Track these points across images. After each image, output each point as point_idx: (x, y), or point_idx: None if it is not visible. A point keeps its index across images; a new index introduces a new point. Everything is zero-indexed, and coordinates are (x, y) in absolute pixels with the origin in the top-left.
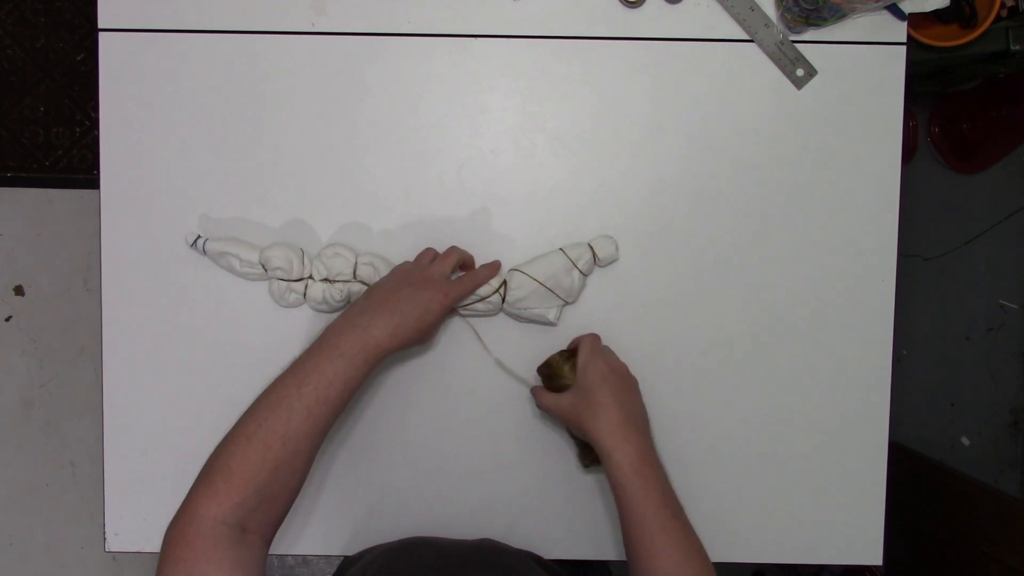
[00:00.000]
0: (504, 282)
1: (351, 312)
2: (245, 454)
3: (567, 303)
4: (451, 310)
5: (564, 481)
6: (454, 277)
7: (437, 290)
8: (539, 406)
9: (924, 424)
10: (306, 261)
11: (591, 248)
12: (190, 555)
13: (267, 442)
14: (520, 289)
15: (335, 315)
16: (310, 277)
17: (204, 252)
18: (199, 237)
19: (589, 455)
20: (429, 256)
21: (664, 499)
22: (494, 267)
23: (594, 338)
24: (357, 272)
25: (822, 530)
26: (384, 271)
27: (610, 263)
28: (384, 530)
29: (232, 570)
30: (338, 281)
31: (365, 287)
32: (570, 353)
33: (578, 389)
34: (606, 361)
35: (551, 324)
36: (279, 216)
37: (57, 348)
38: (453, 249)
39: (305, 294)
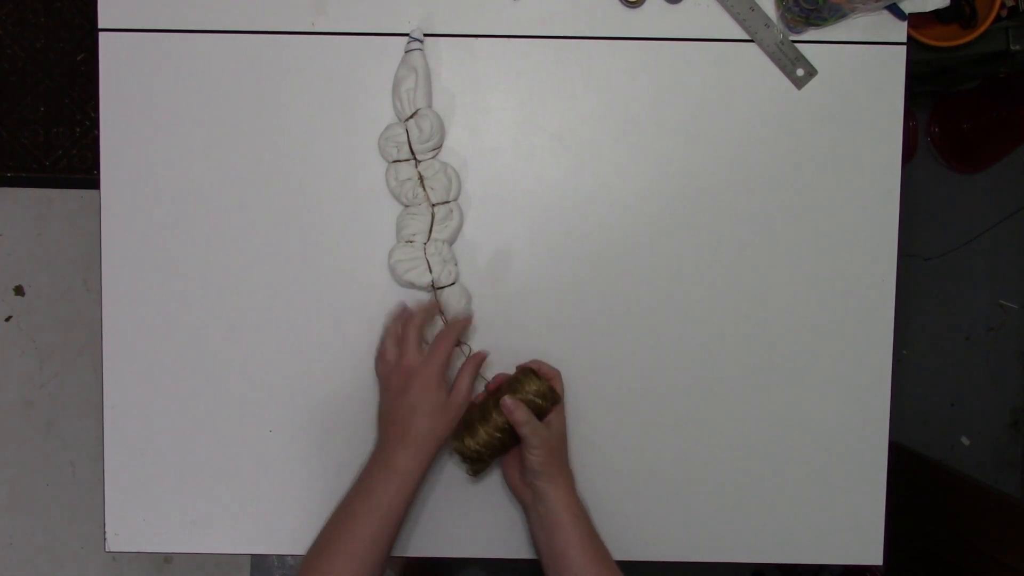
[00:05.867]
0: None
1: (375, 450)
2: None
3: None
4: (447, 367)
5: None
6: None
7: (421, 380)
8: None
9: (924, 424)
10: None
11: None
12: None
13: None
14: None
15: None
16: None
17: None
18: (414, 40)
19: (477, 464)
20: (392, 351)
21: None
22: (465, 321)
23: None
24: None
25: (822, 530)
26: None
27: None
28: None
29: None
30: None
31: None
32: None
33: (554, 432)
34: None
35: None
36: (280, 214)
37: (57, 348)
38: (407, 327)
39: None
